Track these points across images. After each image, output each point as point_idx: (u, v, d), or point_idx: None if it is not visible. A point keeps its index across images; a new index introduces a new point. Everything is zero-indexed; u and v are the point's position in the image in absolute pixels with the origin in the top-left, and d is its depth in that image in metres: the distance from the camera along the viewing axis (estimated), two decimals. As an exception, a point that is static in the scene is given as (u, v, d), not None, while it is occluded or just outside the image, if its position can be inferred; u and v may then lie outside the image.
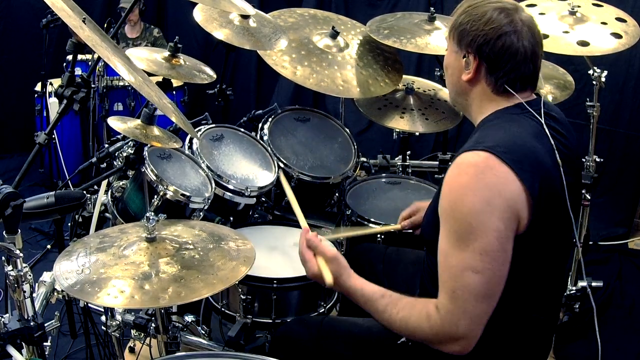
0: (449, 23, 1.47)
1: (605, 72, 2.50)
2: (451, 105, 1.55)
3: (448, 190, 1.32)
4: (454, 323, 1.29)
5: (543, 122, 1.37)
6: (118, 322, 1.94)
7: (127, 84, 3.93)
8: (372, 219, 2.26)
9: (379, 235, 2.20)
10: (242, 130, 2.45)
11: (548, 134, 1.36)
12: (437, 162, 2.94)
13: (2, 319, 1.29)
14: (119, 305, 1.70)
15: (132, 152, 1.89)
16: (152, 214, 1.47)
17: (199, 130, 2.29)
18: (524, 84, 1.41)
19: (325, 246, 1.50)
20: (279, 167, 2.34)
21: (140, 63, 2.06)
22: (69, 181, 3.24)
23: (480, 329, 1.30)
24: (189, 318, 2.00)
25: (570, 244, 1.44)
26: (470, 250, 1.26)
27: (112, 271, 1.38)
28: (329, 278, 1.45)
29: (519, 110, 1.40)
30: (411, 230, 1.96)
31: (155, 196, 1.90)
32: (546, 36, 2.27)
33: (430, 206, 1.49)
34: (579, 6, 2.37)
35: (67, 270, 1.39)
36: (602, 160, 2.64)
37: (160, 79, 2.21)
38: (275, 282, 1.85)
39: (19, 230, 1.24)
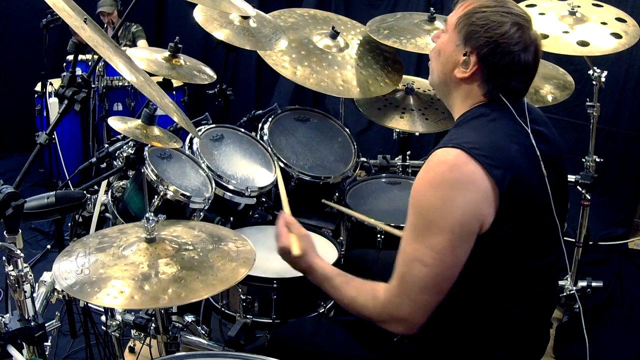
0: (459, 8, 1.43)
1: (605, 72, 2.50)
2: (429, 84, 1.55)
3: (415, 184, 1.35)
4: (396, 305, 1.35)
5: (529, 125, 1.38)
6: (118, 322, 1.94)
7: (126, 84, 3.93)
8: (372, 219, 2.26)
9: (378, 237, 2.20)
10: (242, 130, 2.45)
11: (531, 134, 1.37)
12: (437, 162, 2.93)
13: (3, 319, 1.30)
14: (118, 306, 1.70)
15: (133, 152, 1.89)
16: (152, 214, 1.47)
17: (199, 130, 2.29)
18: (517, 97, 1.41)
19: (300, 226, 1.59)
20: (280, 167, 2.34)
21: (140, 63, 2.06)
22: (69, 181, 3.24)
23: (424, 316, 1.35)
24: (189, 318, 2.00)
25: (557, 242, 1.43)
26: (423, 244, 1.30)
27: (111, 271, 1.37)
28: (296, 250, 1.54)
29: (500, 109, 1.39)
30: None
31: (156, 196, 1.90)
32: (546, 36, 2.28)
33: None
34: (578, 6, 2.37)
35: (67, 270, 1.38)
36: (602, 160, 2.65)
37: (160, 79, 2.21)
38: (275, 282, 1.85)
39: (20, 230, 1.24)
